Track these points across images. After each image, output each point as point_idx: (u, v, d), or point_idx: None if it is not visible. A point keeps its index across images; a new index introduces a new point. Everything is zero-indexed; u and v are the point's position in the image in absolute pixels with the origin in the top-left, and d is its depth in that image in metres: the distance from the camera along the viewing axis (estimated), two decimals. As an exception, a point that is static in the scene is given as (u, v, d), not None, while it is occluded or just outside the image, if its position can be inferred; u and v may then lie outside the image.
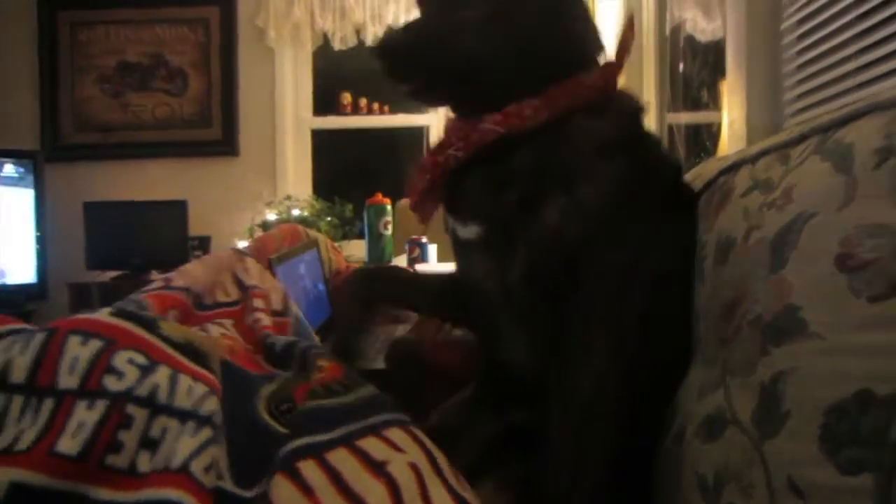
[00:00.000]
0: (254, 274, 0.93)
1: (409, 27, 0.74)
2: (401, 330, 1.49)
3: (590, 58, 0.76)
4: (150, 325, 0.58)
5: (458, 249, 0.79)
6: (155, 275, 3.24)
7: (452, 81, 0.74)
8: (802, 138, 0.56)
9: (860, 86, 1.04)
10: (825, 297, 0.46)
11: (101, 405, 0.48)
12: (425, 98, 0.80)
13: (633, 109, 0.75)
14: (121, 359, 0.52)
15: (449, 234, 0.81)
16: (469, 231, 0.74)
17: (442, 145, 0.76)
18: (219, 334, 0.81)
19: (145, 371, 0.52)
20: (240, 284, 0.92)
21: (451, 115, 0.82)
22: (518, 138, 0.70)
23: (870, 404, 0.41)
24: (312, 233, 1.66)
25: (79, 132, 3.69)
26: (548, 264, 0.68)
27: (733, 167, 0.68)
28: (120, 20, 3.67)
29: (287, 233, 1.61)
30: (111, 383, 0.50)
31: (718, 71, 1.59)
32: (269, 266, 1.08)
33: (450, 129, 0.77)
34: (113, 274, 3.24)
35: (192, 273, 0.89)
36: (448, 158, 0.74)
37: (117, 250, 3.30)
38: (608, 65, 0.76)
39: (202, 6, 3.67)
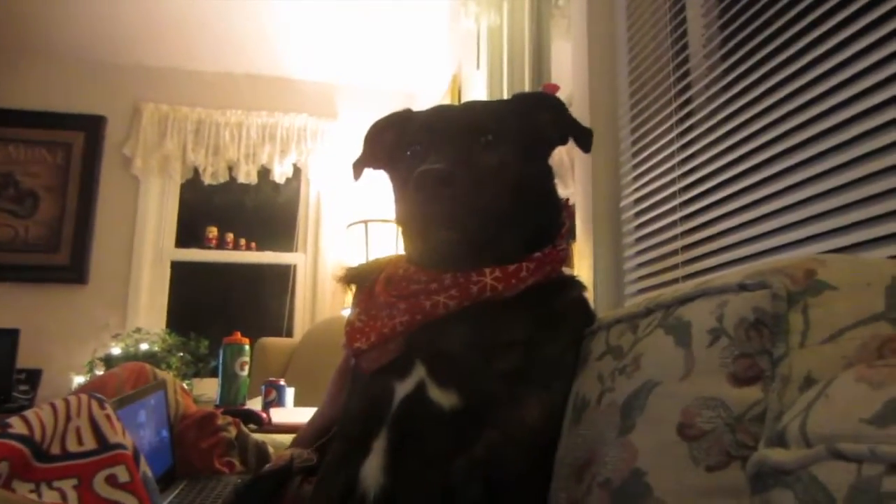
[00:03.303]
0: (116, 426, 0.86)
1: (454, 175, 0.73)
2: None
3: (559, 229, 0.86)
4: None
5: (411, 408, 0.73)
6: (-37, 413, 2.82)
7: (480, 229, 0.76)
8: (649, 312, 0.64)
9: (686, 262, 1.21)
10: (668, 464, 0.51)
11: None
12: (464, 240, 0.77)
13: (581, 284, 0.86)
14: None
15: (372, 382, 0.77)
16: (444, 396, 0.71)
17: (420, 291, 0.76)
18: (52, 501, 0.73)
19: None
20: (98, 435, 0.84)
21: (398, 260, 0.83)
22: (508, 299, 0.75)
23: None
24: (161, 373, 1.56)
25: None
26: (512, 456, 0.69)
27: (592, 332, 0.76)
28: (-32, 135, 3.46)
29: (132, 373, 1.49)
30: None
31: (570, 234, 1.76)
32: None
33: (429, 276, 0.77)
34: (-90, 409, 2.79)
35: (37, 419, 0.81)
36: (437, 306, 0.74)
37: (-80, 383, 2.86)
38: (563, 238, 0.86)
39: (67, 131, 3.56)
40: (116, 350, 3.15)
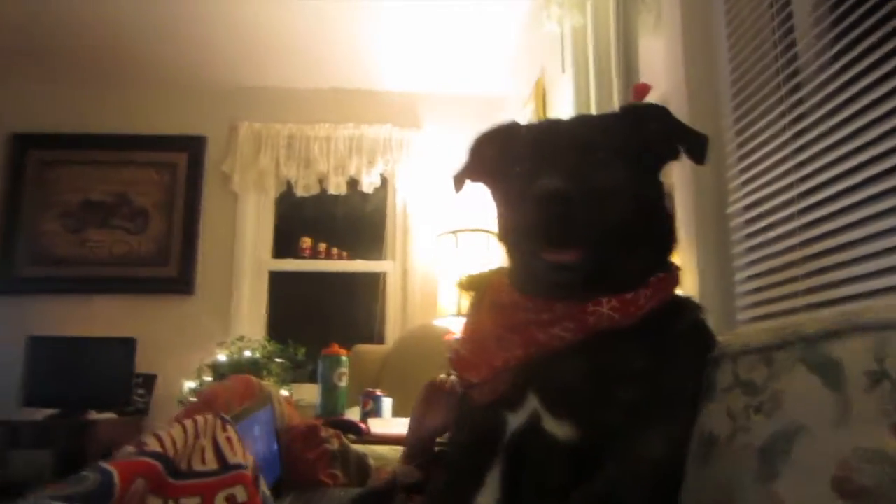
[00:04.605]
0: (237, 447, 0.89)
1: (569, 192, 0.71)
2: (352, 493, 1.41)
3: (671, 249, 0.84)
4: None
5: (525, 439, 0.72)
6: (93, 414, 3.05)
7: (603, 252, 0.73)
8: (785, 343, 0.60)
9: (808, 275, 1.13)
10: (824, 521, 0.46)
11: None
12: (583, 265, 0.73)
13: (698, 306, 0.82)
14: None
15: (482, 413, 0.76)
16: (560, 428, 0.70)
17: (532, 321, 0.74)
18: None
19: None
20: (220, 456, 0.88)
21: (503, 289, 0.82)
22: (626, 327, 0.72)
23: None
24: (266, 386, 1.61)
25: (32, 265, 3.63)
26: (635, 491, 0.67)
27: (715, 360, 0.71)
28: (89, 161, 3.74)
29: (239, 385, 1.55)
30: None
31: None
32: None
33: (539, 304, 0.75)
34: (48, 412, 3.04)
35: (169, 437, 0.85)
36: (552, 338, 0.73)
37: (56, 387, 3.13)
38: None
39: (172, 152, 3.78)
40: (222, 357, 3.30)
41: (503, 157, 0.86)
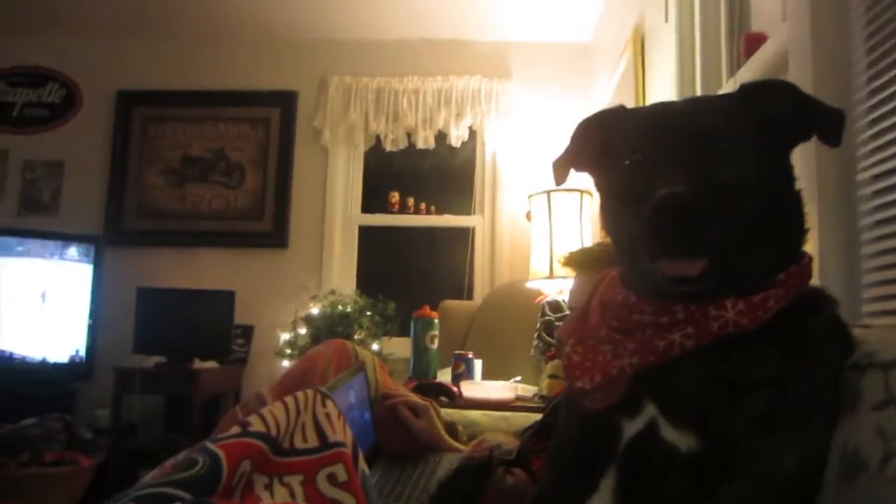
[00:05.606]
0: (335, 423, 0.91)
1: (693, 197, 0.65)
2: (446, 462, 1.43)
3: (802, 239, 0.77)
4: None
5: (642, 448, 0.68)
6: (197, 363, 3.25)
7: (724, 262, 0.67)
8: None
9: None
10: None
11: None
12: (709, 274, 0.66)
13: (833, 300, 0.75)
14: None
15: (593, 415, 0.74)
16: (681, 438, 0.66)
17: (648, 324, 0.70)
18: (282, 499, 0.79)
19: None
20: (320, 432, 0.90)
21: (609, 282, 0.78)
22: (752, 329, 0.67)
23: None
24: (361, 352, 1.64)
25: (139, 219, 3.84)
26: None
27: (859, 367, 0.65)
28: (188, 118, 3.88)
29: (336, 349, 1.58)
30: None
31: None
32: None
33: (656, 307, 0.70)
34: (156, 359, 3.26)
35: (272, 416, 0.87)
36: (671, 345, 0.68)
37: (163, 336, 3.33)
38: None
39: (265, 107, 3.86)
40: (315, 310, 3.41)
41: (611, 145, 0.79)
